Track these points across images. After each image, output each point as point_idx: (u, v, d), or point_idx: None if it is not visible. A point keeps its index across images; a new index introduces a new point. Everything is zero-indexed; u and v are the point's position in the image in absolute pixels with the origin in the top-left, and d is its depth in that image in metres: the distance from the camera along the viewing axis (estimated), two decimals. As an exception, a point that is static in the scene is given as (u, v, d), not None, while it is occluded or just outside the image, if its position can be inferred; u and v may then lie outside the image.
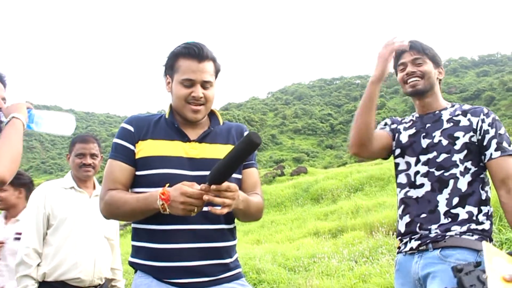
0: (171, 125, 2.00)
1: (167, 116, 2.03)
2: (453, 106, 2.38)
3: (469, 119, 2.24)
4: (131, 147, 1.95)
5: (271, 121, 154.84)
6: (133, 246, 1.96)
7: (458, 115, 2.29)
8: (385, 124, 2.54)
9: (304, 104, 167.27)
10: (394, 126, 2.49)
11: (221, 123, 2.10)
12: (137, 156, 1.94)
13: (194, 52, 1.90)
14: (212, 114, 2.11)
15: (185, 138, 1.97)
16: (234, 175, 1.90)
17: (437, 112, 2.35)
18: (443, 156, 2.20)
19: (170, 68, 1.97)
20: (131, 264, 1.94)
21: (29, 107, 2.06)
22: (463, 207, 2.14)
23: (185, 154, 1.93)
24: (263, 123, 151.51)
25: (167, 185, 1.73)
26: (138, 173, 1.93)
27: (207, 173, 1.82)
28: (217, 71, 2.02)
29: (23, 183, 3.49)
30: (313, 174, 28.77)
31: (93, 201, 3.02)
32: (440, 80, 2.41)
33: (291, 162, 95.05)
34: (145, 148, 1.93)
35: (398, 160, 2.38)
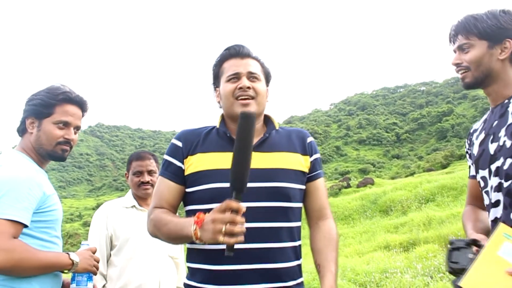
0: (223, 135, 1.85)
1: (218, 126, 1.89)
2: None
3: None
4: (179, 163, 1.84)
5: (335, 133, 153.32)
6: (188, 267, 1.86)
7: None
8: (468, 155, 2.00)
9: (368, 114, 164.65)
10: (469, 145, 1.99)
11: (277, 128, 1.92)
12: (186, 173, 1.82)
13: (235, 50, 1.87)
14: (267, 120, 1.94)
15: None
16: (296, 186, 1.80)
17: (506, 101, 1.78)
18: (509, 161, 1.66)
19: (216, 77, 1.92)
20: (186, 287, 1.83)
21: (92, 272, 2.01)
22: None
23: None
24: (327, 135, 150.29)
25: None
26: (188, 190, 1.82)
27: (265, 184, 1.74)
28: (266, 73, 1.92)
29: None
30: (380, 185, 27.96)
31: None
32: (503, 60, 1.77)
33: (356, 173, 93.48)
34: (194, 163, 1.81)
35: (478, 177, 1.86)
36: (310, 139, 1.96)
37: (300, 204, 1.86)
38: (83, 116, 2.12)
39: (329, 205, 1.96)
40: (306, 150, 1.91)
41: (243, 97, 1.79)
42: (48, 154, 2.00)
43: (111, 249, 2.85)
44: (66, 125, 2.01)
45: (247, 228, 1.56)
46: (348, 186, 32.96)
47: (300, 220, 1.86)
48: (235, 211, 1.41)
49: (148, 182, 2.94)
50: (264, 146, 1.83)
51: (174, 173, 1.85)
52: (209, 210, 1.56)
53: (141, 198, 2.98)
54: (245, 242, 1.59)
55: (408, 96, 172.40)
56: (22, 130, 2.02)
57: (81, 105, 2.09)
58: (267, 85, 1.93)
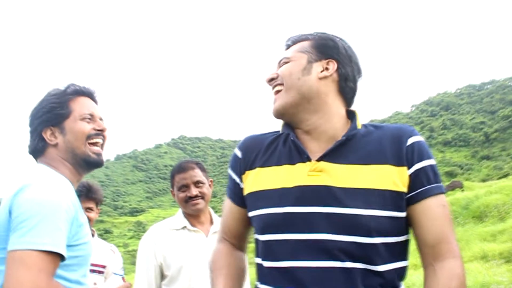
0: (289, 141, 1.40)
1: (281, 130, 1.45)
2: None
3: None
4: (237, 179, 1.49)
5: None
6: None
7: None
8: None
9: (453, 114, 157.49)
10: None
11: (359, 127, 1.37)
12: (244, 192, 1.46)
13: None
14: (351, 116, 1.41)
15: (304, 157, 1.34)
16: (383, 213, 1.25)
17: None
18: None
19: None
20: None
21: None
22: None
23: (302, 182, 1.30)
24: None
25: None
26: (249, 214, 1.44)
27: (330, 210, 1.25)
28: (316, 46, 1.41)
29: (100, 200, 3.17)
30: (470, 189, 26.09)
31: (211, 240, 2.45)
32: None
33: (443, 176, 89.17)
34: (252, 181, 1.42)
35: None
36: (412, 139, 1.32)
37: (394, 239, 1.29)
38: None
39: (452, 237, 1.30)
40: (403, 158, 1.29)
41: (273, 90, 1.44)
42: (83, 160, 1.66)
43: (162, 279, 2.42)
44: (92, 117, 1.70)
45: (308, 268, 1.23)
46: (435, 190, 31.27)
47: (399, 260, 1.31)
48: None
49: (196, 196, 2.47)
50: (337, 154, 1.31)
51: (234, 191, 1.51)
52: (266, 243, 1.34)
53: (192, 216, 2.52)
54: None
55: (497, 93, 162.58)
56: (41, 148, 1.67)
57: (92, 96, 1.77)
58: (324, 58, 1.39)
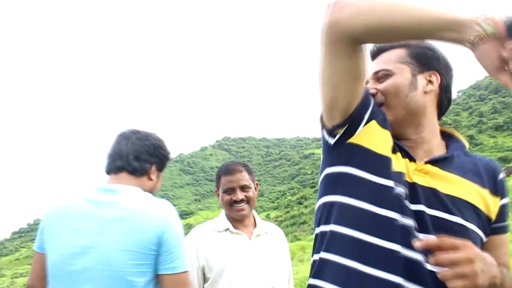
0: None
1: None
2: None
3: None
4: (366, 116, 1.25)
5: (466, 121, 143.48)
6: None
7: None
8: None
9: (503, 97, 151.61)
10: None
11: (467, 149, 1.36)
12: (350, 139, 1.24)
13: (370, 52, 1.40)
14: (449, 137, 1.39)
15: (409, 157, 1.29)
16: (479, 231, 1.22)
17: None
18: None
19: None
20: None
21: None
22: None
23: (407, 178, 1.24)
24: (458, 124, 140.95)
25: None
26: (331, 169, 1.30)
27: (444, 216, 1.18)
28: (415, 56, 1.32)
29: None
30: (528, 174, 25.03)
31: (254, 243, 2.42)
32: None
33: (496, 163, 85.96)
34: (368, 134, 1.24)
35: None
36: (502, 175, 1.36)
37: None
38: None
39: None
40: (498, 189, 1.31)
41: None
42: None
43: (205, 281, 2.38)
44: None
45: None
46: (489, 177, 30.04)
47: None
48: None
49: (242, 200, 2.40)
50: (444, 163, 1.28)
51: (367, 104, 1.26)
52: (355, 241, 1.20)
53: (236, 220, 2.46)
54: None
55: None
56: (141, 172, 1.98)
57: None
58: (426, 69, 1.32)
